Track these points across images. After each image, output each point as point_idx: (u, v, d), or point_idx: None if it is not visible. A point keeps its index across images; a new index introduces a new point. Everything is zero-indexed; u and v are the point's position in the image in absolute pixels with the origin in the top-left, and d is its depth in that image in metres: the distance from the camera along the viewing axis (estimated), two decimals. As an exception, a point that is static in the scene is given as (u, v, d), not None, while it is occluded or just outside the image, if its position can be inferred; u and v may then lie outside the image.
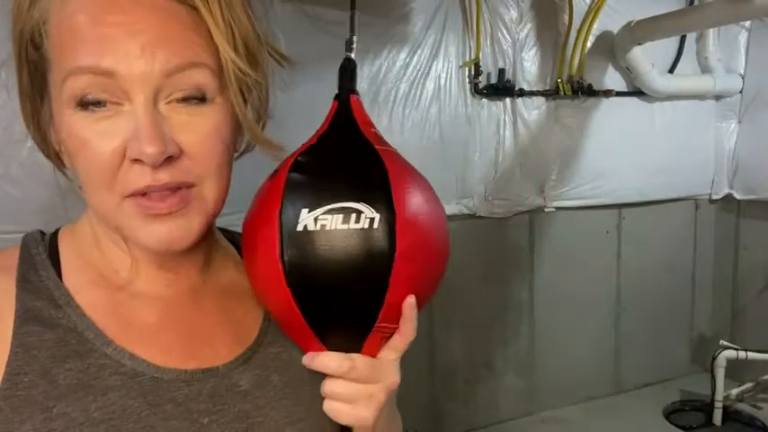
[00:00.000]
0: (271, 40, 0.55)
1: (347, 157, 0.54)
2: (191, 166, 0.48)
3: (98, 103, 0.46)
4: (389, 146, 0.57)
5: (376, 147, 0.54)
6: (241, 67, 0.48)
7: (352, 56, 0.58)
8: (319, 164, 0.53)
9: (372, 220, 0.50)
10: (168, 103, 0.47)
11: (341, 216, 0.50)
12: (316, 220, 0.49)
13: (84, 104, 0.46)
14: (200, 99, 0.48)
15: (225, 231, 0.67)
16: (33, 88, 0.51)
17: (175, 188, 0.48)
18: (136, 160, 0.46)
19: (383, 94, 2.21)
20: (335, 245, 0.50)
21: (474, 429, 2.59)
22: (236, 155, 0.57)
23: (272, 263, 0.50)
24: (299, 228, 0.50)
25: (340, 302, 0.52)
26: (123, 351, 0.51)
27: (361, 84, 2.15)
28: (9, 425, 0.45)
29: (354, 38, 0.58)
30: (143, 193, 0.47)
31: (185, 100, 0.48)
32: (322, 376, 0.57)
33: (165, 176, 0.47)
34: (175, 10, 0.46)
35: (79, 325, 0.50)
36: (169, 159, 0.46)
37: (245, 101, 0.51)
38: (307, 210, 0.50)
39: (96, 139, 0.46)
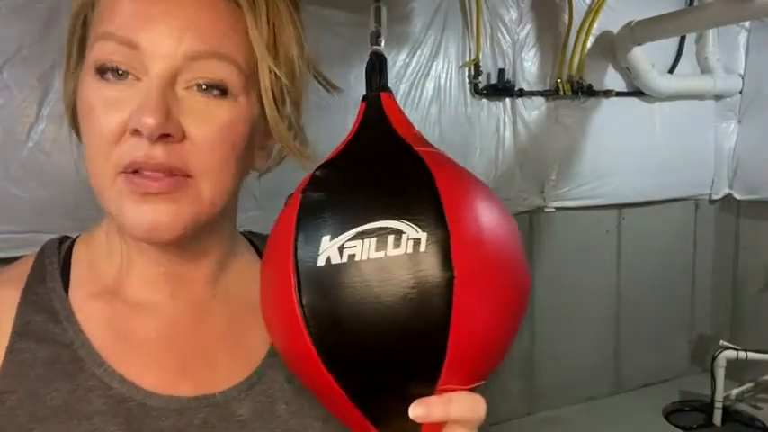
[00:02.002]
0: (318, 65, 0.54)
1: (378, 164, 0.43)
2: (191, 153, 0.46)
3: (118, 74, 0.45)
4: (434, 147, 0.45)
5: (416, 148, 0.43)
6: (275, 71, 0.48)
7: (380, 49, 0.52)
8: (342, 177, 0.42)
9: (417, 241, 0.38)
10: (188, 88, 0.46)
11: (374, 240, 0.38)
12: (341, 249, 0.38)
13: (104, 72, 0.45)
14: (222, 92, 0.47)
15: (252, 236, 0.63)
16: (75, 58, 0.51)
17: (169, 172, 0.45)
18: (135, 131, 0.44)
19: (383, 94, 2.21)
20: (370, 281, 0.37)
21: (474, 429, 2.58)
22: (260, 174, 0.56)
23: (288, 312, 0.39)
24: (321, 262, 0.38)
25: (384, 361, 0.39)
26: (114, 373, 0.48)
27: (362, 84, 2.14)
28: None
29: (381, 29, 0.52)
30: (135, 171, 0.45)
31: (206, 90, 0.46)
32: None
33: (159, 154, 0.44)
34: (217, 2, 0.46)
35: (75, 342, 0.49)
36: (168, 138, 0.45)
37: (277, 107, 0.49)
38: (328, 237, 0.38)
39: (104, 108, 0.45)
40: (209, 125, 0.46)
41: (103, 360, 0.49)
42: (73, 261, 0.53)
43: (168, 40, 0.45)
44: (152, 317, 0.52)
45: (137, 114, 0.44)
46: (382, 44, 0.52)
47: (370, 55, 0.51)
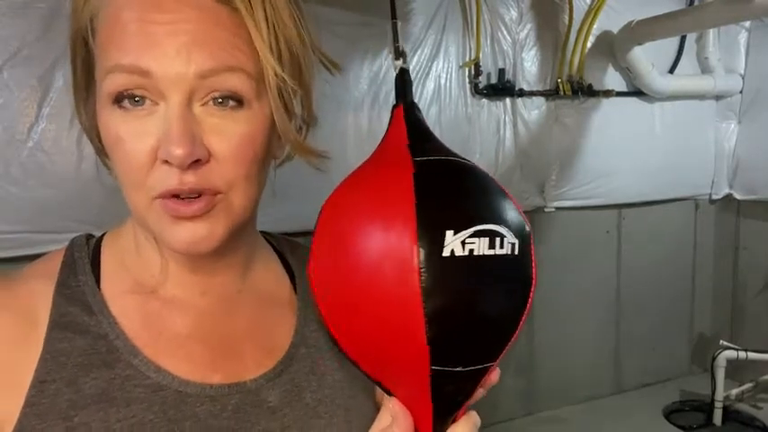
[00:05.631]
0: (320, 47, 0.54)
1: (465, 170, 0.47)
2: (219, 171, 0.47)
3: (135, 100, 0.46)
4: None
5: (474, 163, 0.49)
6: (280, 74, 0.48)
7: (406, 65, 0.54)
8: (442, 175, 0.46)
9: (514, 245, 0.44)
10: (204, 104, 0.47)
11: (487, 239, 0.43)
12: (463, 243, 0.42)
13: (120, 101, 0.46)
14: (237, 102, 0.48)
15: (268, 235, 0.65)
16: (84, 85, 0.52)
17: (202, 193, 0.47)
18: (165, 161, 0.46)
19: (383, 93, 2.21)
20: (484, 273, 0.43)
21: (474, 429, 2.59)
22: (277, 162, 0.57)
23: (409, 294, 0.42)
24: (445, 252, 0.41)
25: (476, 341, 0.44)
26: (149, 363, 0.50)
27: (361, 84, 2.15)
28: (33, 431, 0.45)
29: (402, 47, 0.54)
30: (171, 196, 0.47)
31: (221, 103, 0.47)
32: (357, 397, 0.57)
33: (191, 180, 0.46)
34: (218, 11, 0.46)
35: (110, 333, 0.50)
36: (197, 163, 0.46)
37: (286, 108, 0.50)
38: (452, 231, 0.42)
39: (130, 138, 0.46)
40: (231, 140, 0.48)
41: (139, 350, 0.51)
42: (102, 257, 0.55)
43: (177, 60, 0.45)
44: (182, 312, 0.54)
45: (165, 145, 0.45)
46: (406, 59, 0.54)
47: (401, 70, 0.54)
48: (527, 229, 0.47)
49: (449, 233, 0.42)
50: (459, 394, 0.47)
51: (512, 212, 0.46)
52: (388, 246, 0.42)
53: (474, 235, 0.42)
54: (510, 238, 0.44)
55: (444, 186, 0.45)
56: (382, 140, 0.51)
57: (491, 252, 0.43)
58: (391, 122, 0.52)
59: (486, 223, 0.43)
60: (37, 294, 0.51)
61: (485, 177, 0.48)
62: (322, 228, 0.48)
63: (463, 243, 0.42)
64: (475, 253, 0.42)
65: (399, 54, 0.54)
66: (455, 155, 0.49)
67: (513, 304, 0.46)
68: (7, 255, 1.60)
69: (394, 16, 0.56)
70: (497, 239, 0.43)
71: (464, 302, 0.43)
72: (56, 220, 1.67)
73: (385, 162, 0.48)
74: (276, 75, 0.47)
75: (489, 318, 0.44)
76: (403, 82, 0.53)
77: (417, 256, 0.41)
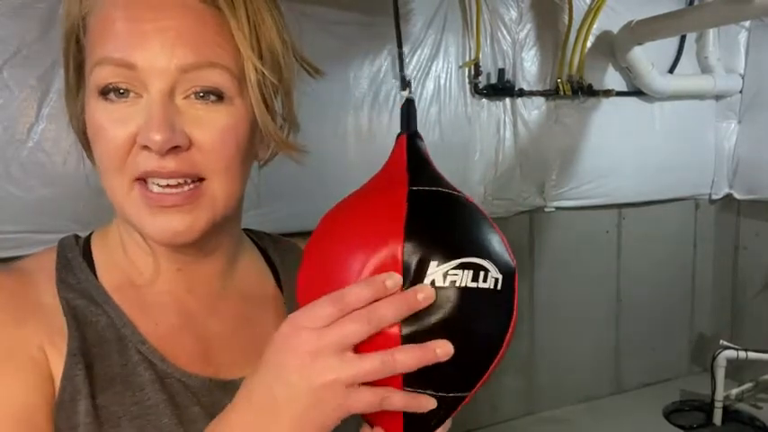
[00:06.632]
0: (301, 51, 0.56)
1: (455, 204, 0.48)
2: (199, 158, 0.49)
3: (119, 92, 0.48)
4: None
5: (466, 194, 0.50)
6: (259, 68, 0.50)
7: (412, 95, 0.57)
8: (435, 206, 0.47)
9: (497, 280, 0.45)
10: (186, 98, 0.49)
11: (470, 272, 0.44)
12: (445, 275, 0.43)
13: (106, 93, 0.48)
14: (218, 97, 0.50)
15: (249, 232, 0.67)
16: (75, 82, 0.54)
17: (182, 180, 0.49)
18: (144, 147, 0.48)
19: (383, 93, 2.20)
20: (463, 305, 0.43)
21: (474, 429, 2.59)
22: (261, 162, 0.58)
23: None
24: (426, 282, 0.43)
25: (448, 369, 0.44)
26: (154, 352, 0.53)
27: (361, 84, 2.15)
28: (72, 403, 0.49)
29: (408, 77, 0.57)
30: (147, 180, 0.49)
31: (203, 97, 0.49)
32: None
33: (171, 164, 0.48)
34: (202, 11, 0.49)
35: (117, 322, 0.53)
36: (177, 149, 0.48)
37: (266, 104, 0.52)
38: (436, 263, 0.43)
39: (112, 125, 0.48)
40: (212, 130, 0.49)
41: (145, 339, 0.53)
42: (94, 254, 0.57)
43: (161, 55, 0.47)
44: (173, 309, 0.57)
45: (144, 131, 0.47)
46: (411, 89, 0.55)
47: (407, 99, 0.55)
48: (512, 265, 0.48)
49: (432, 264, 0.43)
50: (433, 419, 0.47)
51: (498, 248, 0.47)
52: (374, 271, 0.44)
53: (459, 267, 0.43)
54: (494, 273, 0.45)
55: (435, 217, 0.46)
56: (384, 166, 0.53)
57: (474, 285, 0.44)
58: (394, 149, 0.53)
59: (473, 257, 0.44)
60: (42, 287, 0.52)
61: (475, 211, 0.49)
62: (316, 241, 0.49)
63: (445, 275, 0.43)
64: (457, 284, 0.43)
65: (406, 84, 0.56)
66: (450, 186, 0.50)
67: (491, 338, 0.46)
68: (7, 255, 1.60)
69: (400, 46, 0.58)
70: (481, 273, 0.44)
71: (439, 331, 0.43)
72: (56, 220, 1.67)
73: (382, 188, 0.49)
74: (256, 69, 0.49)
75: (464, 348, 0.44)
76: (408, 112, 0.54)
77: (398, 283, 0.43)
